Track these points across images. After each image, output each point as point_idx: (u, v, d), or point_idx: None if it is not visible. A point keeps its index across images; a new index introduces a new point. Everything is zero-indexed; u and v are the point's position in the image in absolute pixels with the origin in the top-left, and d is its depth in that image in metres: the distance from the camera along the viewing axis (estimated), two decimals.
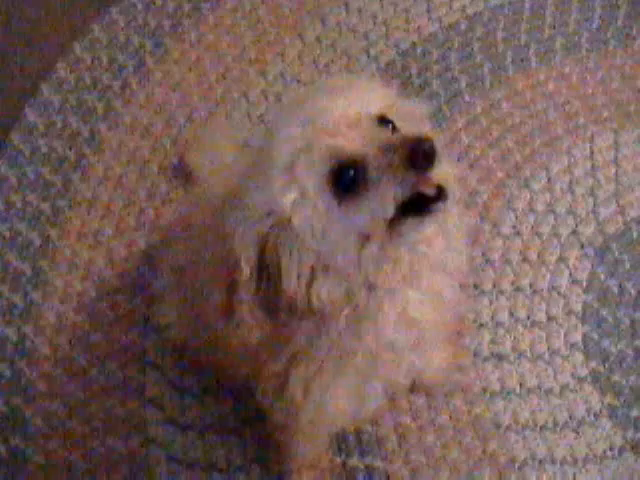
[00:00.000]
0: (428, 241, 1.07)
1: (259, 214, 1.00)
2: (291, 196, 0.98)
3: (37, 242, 1.99)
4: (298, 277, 1.01)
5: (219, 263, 1.12)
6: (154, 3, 2.37)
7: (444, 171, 1.02)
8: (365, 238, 1.00)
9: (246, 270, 1.01)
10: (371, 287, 1.05)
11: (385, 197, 0.96)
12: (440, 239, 1.10)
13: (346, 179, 0.97)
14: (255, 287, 1.02)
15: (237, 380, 1.50)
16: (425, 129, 1.09)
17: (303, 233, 0.99)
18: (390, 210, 0.97)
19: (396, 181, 0.96)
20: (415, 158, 0.94)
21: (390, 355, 1.16)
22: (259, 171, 1.03)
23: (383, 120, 1.03)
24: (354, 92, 1.04)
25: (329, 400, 1.23)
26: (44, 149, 2.12)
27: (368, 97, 1.04)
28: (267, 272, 1.02)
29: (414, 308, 1.11)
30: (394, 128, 1.04)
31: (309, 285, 1.01)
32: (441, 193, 0.98)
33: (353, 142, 0.97)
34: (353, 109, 1.00)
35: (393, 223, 0.99)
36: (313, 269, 1.01)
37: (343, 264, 1.01)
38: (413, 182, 0.96)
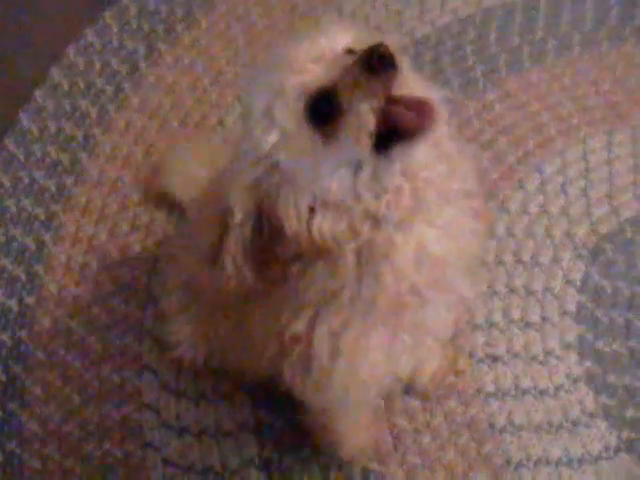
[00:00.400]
0: (428, 167, 1.05)
1: (249, 163, 1.02)
2: (272, 138, 0.99)
3: (32, 246, 1.99)
4: (298, 218, 1.01)
5: None
6: (147, 8, 2.38)
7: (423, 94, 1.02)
8: (357, 167, 1.00)
9: (238, 215, 1.02)
10: (375, 220, 1.03)
11: (360, 114, 0.96)
12: (441, 165, 1.08)
13: (322, 110, 0.98)
14: (250, 234, 1.03)
15: (262, 376, 1.48)
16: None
17: (293, 173, 1.00)
18: (370, 124, 0.97)
19: (365, 94, 0.96)
20: (372, 64, 0.95)
21: (415, 299, 1.12)
22: (243, 127, 1.06)
23: (351, 53, 1.03)
24: (320, 33, 1.05)
25: (361, 357, 1.17)
26: (38, 154, 2.13)
27: (334, 34, 1.05)
28: (265, 220, 1.03)
29: (433, 244, 1.08)
30: None
31: (310, 223, 1.01)
32: (425, 115, 0.98)
33: (320, 74, 0.99)
34: (318, 46, 1.02)
35: (382, 150, 0.99)
36: (312, 207, 1.01)
37: (340, 197, 1.01)
38: (382, 90, 0.96)
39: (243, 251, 1.04)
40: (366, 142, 0.97)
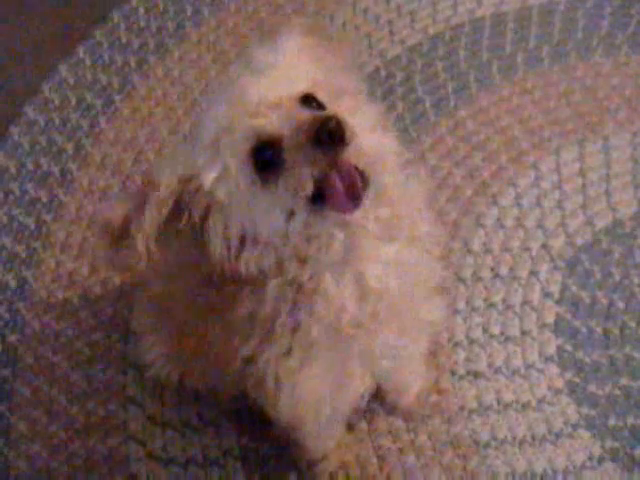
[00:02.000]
0: (365, 217, 1.06)
1: (184, 168, 1.04)
2: (213, 173, 1.02)
3: (13, 284, 2.00)
4: (226, 245, 1.04)
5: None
6: (119, 41, 2.40)
7: (367, 148, 1.04)
8: (290, 214, 1.02)
9: (163, 190, 1.03)
10: (302, 260, 1.06)
11: (299, 176, 0.98)
12: (384, 209, 1.10)
13: (265, 157, 1.00)
14: (168, 215, 1.04)
15: (232, 394, 1.52)
16: (353, 104, 1.09)
17: (228, 206, 1.02)
18: (307, 189, 0.99)
19: (307, 161, 0.97)
20: (320, 138, 0.95)
21: (358, 331, 1.15)
22: (188, 142, 1.08)
23: (308, 99, 1.04)
24: (279, 71, 1.06)
25: (302, 385, 1.21)
26: (16, 191, 2.14)
27: (293, 76, 1.06)
28: (186, 208, 1.04)
29: (373, 279, 1.11)
30: (320, 106, 1.05)
31: (238, 254, 1.04)
32: (353, 197, 1.00)
33: (272, 123, 1.00)
34: (276, 90, 1.02)
35: (317, 203, 1.01)
36: (242, 238, 1.04)
37: (269, 237, 1.03)
38: (326, 162, 0.98)
39: (156, 229, 1.04)
40: (303, 196, 1.00)
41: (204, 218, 1.04)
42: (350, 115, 1.04)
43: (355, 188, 0.99)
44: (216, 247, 1.04)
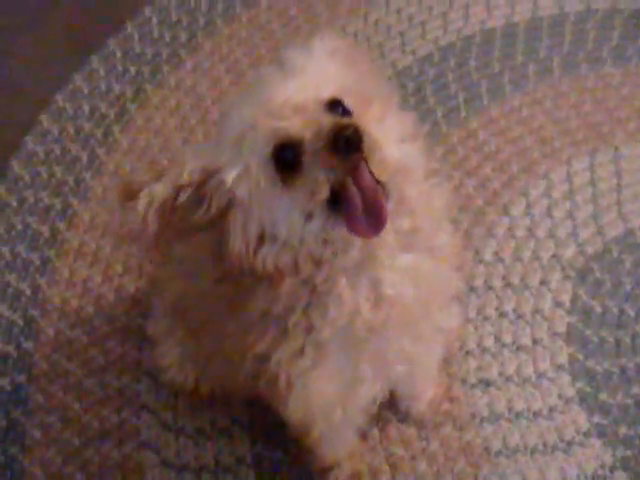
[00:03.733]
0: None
1: (208, 161, 1.06)
2: (235, 170, 1.03)
3: (28, 292, 2.02)
4: (244, 241, 1.05)
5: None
6: (133, 50, 2.42)
7: (391, 160, 1.05)
8: (309, 216, 1.03)
9: (185, 177, 1.05)
10: (317, 262, 1.07)
11: (316, 181, 0.99)
12: (405, 220, 1.11)
13: (286, 159, 1.01)
14: (185, 200, 1.05)
15: (247, 396, 1.55)
16: (381, 112, 1.09)
17: (248, 204, 1.04)
18: (322, 193, 1.00)
19: (325, 167, 0.99)
20: (337, 144, 0.96)
21: (371, 336, 1.16)
22: (214, 139, 1.11)
23: (335, 104, 1.05)
24: (309, 74, 1.07)
25: (312, 386, 1.22)
26: (31, 200, 2.16)
27: (322, 80, 1.07)
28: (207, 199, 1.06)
29: (388, 287, 1.12)
30: (346, 112, 1.05)
31: (256, 251, 1.05)
32: (373, 220, 1.01)
33: (294, 125, 1.00)
34: (303, 93, 1.03)
35: (335, 208, 1.02)
36: (261, 235, 1.05)
37: (287, 237, 1.04)
38: (342, 169, 0.99)
39: (163, 203, 1.05)
40: (319, 201, 1.01)
41: (224, 213, 1.06)
42: (377, 123, 1.06)
43: (376, 208, 1.00)
44: (235, 243, 1.05)
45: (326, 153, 0.97)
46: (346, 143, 0.96)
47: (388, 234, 1.07)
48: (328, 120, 1.00)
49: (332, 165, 0.98)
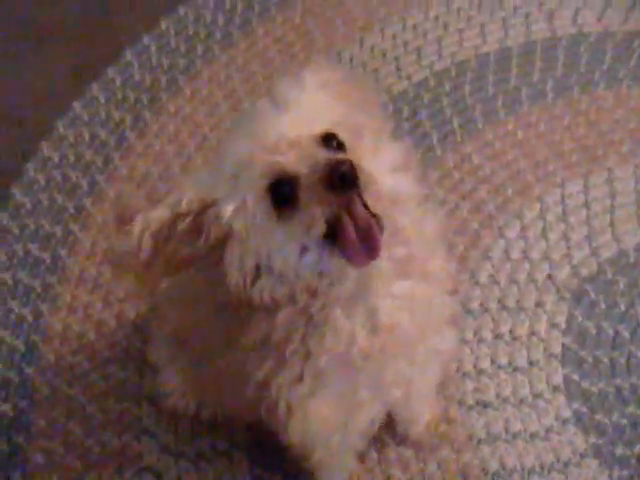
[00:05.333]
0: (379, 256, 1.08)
1: (206, 193, 1.07)
2: (232, 204, 1.05)
3: (29, 317, 2.04)
4: (241, 273, 1.07)
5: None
6: (132, 78, 2.45)
7: (385, 191, 1.07)
8: (303, 249, 1.05)
9: (183, 206, 1.06)
10: (313, 293, 1.09)
11: (311, 215, 1.01)
12: (399, 249, 1.13)
13: (282, 193, 1.03)
14: (184, 227, 1.07)
15: (249, 421, 1.56)
16: (374, 143, 1.11)
17: (245, 236, 1.05)
18: (318, 228, 1.01)
19: (320, 201, 1.00)
20: (332, 180, 0.98)
21: (367, 363, 1.18)
22: (211, 170, 1.12)
23: (329, 137, 1.06)
24: (301, 108, 1.08)
25: (311, 412, 1.23)
26: (32, 226, 2.19)
27: (315, 113, 1.08)
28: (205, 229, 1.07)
29: (384, 314, 1.14)
30: (340, 145, 1.07)
31: (253, 282, 1.07)
32: (368, 249, 1.02)
33: (290, 161, 1.02)
34: (297, 127, 1.04)
35: (330, 242, 1.04)
36: (258, 267, 1.07)
37: (282, 269, 1.06)
38: (338, 205, 1.00)
39: (159, 229, 1.06)
40: (314, 235, 1.03)
41: (221, 245, 1.07)
42: (371, 154, 1.08)
43: (371, 239, 1.02)
44: (232, 275, 1.07)
45: (322, 188, 0.99)
46: (341, 179, 0.98)
47: (383, 263, 1.10)
48: (323, 156, 1.01)
49: (328, 200, 1.00)
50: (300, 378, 1.20)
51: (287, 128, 1.05)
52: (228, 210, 1.05)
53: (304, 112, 1.08)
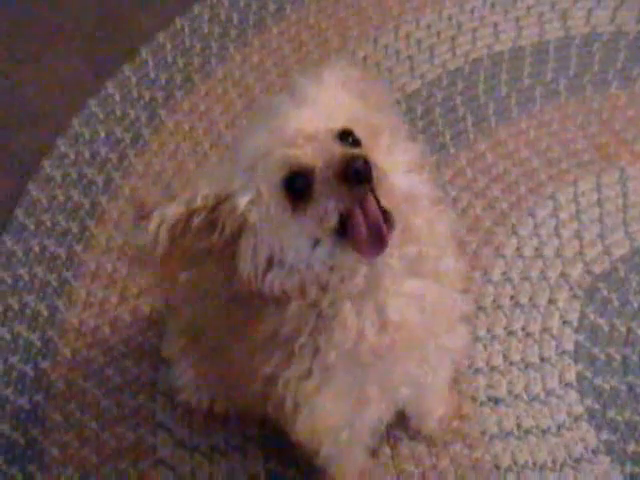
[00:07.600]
0: (389, 254, 1.09)
1: (222, 187, 1.09)
2: (247, 196, 1.06)
3: (45, 313, 2.06)
4: (254, 264, 1.08)
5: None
6: (147, 76, 2.47)
7: (398, 189, 1.09)
8: (316, 242, 1.07)
9: (199, 202, 1.08)
10: (323, 287, 1.10)
11: (324, 209, 1.02)
12: (410, 247, 1.13)
13: (297, 186, 1.04)
14: (198, 223, 1.08)
15: (260, 415, 1.55)
16: (389, 142, 1.12)
17: (259, 227, 1.06)
18: (331, 221, 1.03)
19: (334, 195, 1.01)
20: (347, 175, 0.99)
21: (376, 360, 1.19)
22: (227, 164, 1.13)
23: (345, 134, 1.07)
24: (320, 104, 1.09)
25: (319, 407, 1.24)
26: (48, 223, 2.21)
27: (333, 110, 1.09)
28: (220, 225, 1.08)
29: (395, 312, 1.15)
30: (356, 142, 1.08)
31: (265, 274, 1.08)
32: (376, 242, 1.03)
33: (306, 154, 1.03)
34: (314, 122, 1.06)
35: (342, 236, 1.05)
36: (270, 259, 1.08)
37: (294, 262, 1.08)
38: (351, 199, 1.02)
39: (175, 223, 1.07)
40: (327, 228, 1.04)
41: (236, 238, 1.08)
42: (386, 154, 1.09)
43: (379, 233, 1.03)
44: (245, 266, 1.08)
45: (336, 182, 1.00)
46: (356, 174, 0.99)
47: (394, 261, 1.11)
48: (339, 150, 1.03)
49: (341, 194, 1.01)
50: (308, 373, 1.21)
51: (305, 123, 1.06)
52: (243, 201, 1.06)
53: (322, 108, 1.09)
